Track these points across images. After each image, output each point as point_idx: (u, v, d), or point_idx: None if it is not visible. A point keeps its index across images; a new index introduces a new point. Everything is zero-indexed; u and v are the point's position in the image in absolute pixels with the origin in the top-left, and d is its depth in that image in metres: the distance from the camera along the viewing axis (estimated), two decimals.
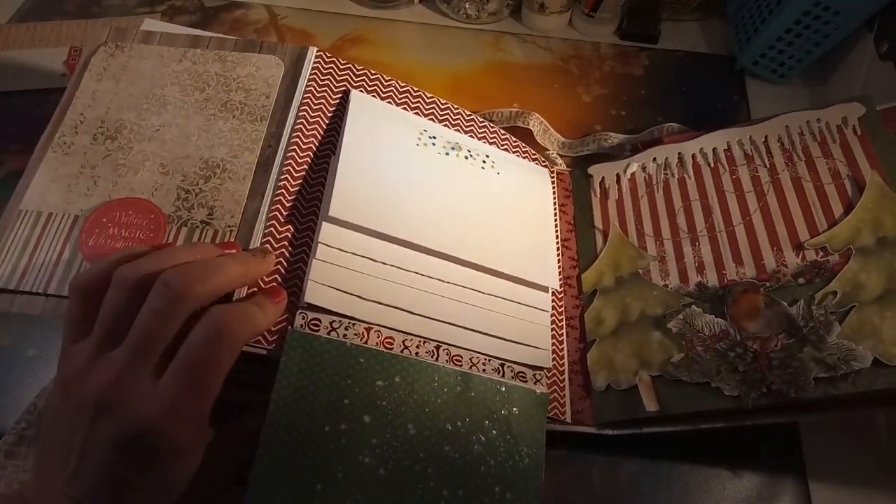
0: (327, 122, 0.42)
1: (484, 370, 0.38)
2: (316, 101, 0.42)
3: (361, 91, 0.45)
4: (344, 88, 0.44)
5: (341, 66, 0.44)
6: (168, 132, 0.40)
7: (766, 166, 0.45)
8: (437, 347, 0.38)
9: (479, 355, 0.39)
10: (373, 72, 0.46)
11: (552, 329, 0.43)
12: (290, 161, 0.39)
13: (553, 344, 0.42)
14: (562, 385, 0.41)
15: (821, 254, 0.40)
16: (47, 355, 0.44)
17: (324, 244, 0.37)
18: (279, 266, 0.36)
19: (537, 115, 0.56)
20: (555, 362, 0.42)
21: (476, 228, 0.43)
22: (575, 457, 0.41)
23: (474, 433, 0.36)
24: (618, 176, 0.50)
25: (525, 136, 0.54)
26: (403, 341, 0.37)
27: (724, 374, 0.38)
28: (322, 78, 0.43)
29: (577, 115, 0.59)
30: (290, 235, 0.38)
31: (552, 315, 0.43)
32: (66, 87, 0.41)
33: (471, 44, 0.65)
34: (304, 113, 0.41)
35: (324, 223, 0.38)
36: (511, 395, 0.38)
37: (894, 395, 0.35)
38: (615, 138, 0.55)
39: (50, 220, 0.37)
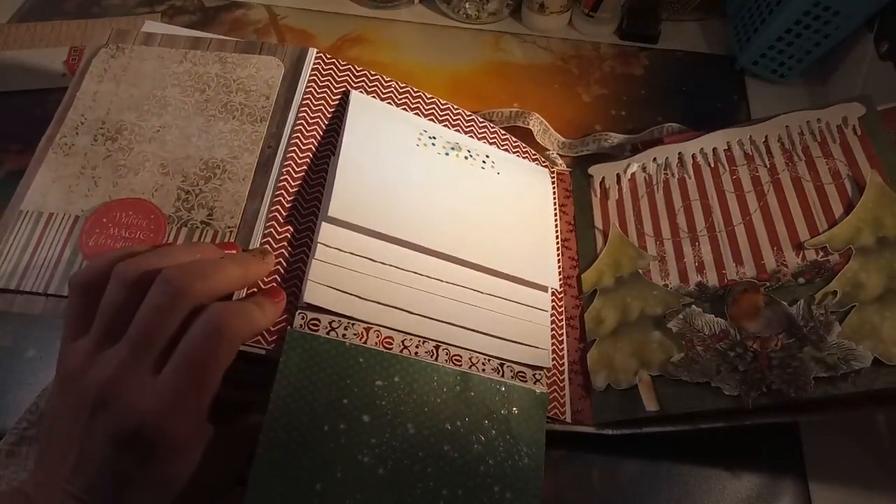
0: (327, 122, 0.42)
1: (483, 370, 0.38)
2: (316, 102, 0.42)
3: (361, 92, 0.45)
4: (344, 89, 0.44)
5: (341, 67, 0.44)
6: (168, 133, 0.40)
7: (766, 166, 0.45)
8: (437, 347, 0.38)
9: (478, 355, 0.39)
10: (372, 72, 0.46)
11: (552, 329, 0.43)
12: (290, 162, 0.39)
13: (553, 344, 0.42)
14: (561, 385, 0.41)
15: (821, 253, 0.40)
16: (47, 355, 0.44)
17: (323, 244, 0.37)
18: (278, 266, 0.36)
19: (537, 115, 0.56)
20: (554, 362, 0.42)
21: (476, 228, 0.43)
22: (575, 457, 0.41)
23: (474, 433, 0.36)
24: (618, 176, 0.50)
25: (525, 136, 0.54)
26: (403, 341, 0.37)
27: (724, 374, 0.38)
28: (322, 79, 0.43)
29: (577, 115, 0.59)
30: (289, 236, 0.38)
31: (552, 315, 0.43)
32: (67, 87, 0.42)
33: (471, 44, 0.65)
34: (304, 114, 0.41)
35: (323, 223, 0.38)
36: (511, 394, 0.38)
37: (894, 394, 0.35)
38: (615, 138, 0.55)
39: (50, 220, 0.37)
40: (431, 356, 0.37)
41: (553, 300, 0.44)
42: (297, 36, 0.65)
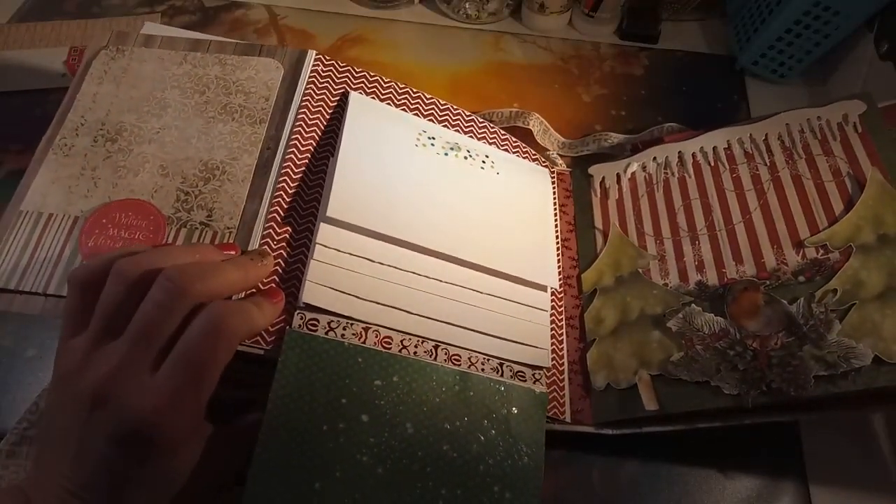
0: (326, 123, 0.43)
1: (483, 370, 0.38)
2: (315, 104, 0.42)
3: (360, 92, 0.45)
4: (343, 90, 0.44)
5: (340, 69, 0.44)
6: (168, 134, 0.40)
7: (766, 164, 0.45)
8: (436, 347, 0.38)
9: (477, 355, 0.39)
10: (372, 74, 0.46)
11: (552, 329, 0.43)
12: (289, 163, 0.39)
13: (553, 343, 0.42)
14: (561, 385, 0.41)
15: (821, 251, 0.40)
16: (47, 355, 0.44)
17: (322, 245, 0.37)
18: (277, 267, 0.37)
19: (537, 115, 0.56)
20: (554, 362, 0.42)
21: (475, 228, 0.43)
22: (574, 457, 0.41)
23: (473, 432, 0.36)
24: (618, 176, 0.50)
25: (525, 136, 0.54)
26: (402, 341, 0.37)
27: (724, 373, 0.37)
28: (321, 80, 0.43)
29: (577, 115, 0.59)
30: (288, 237, 0.38)
31: (552, 315, 0.43)
32: (67, 87, 0.42)
33: (471, 44, 0.65)
34: (303, 115, 0.41)
35: (322, 224, 0.38)
36: (510, 394, 0.38)
37: (895, 393, 0.35)
38: (615, 138, 0.55)
39: (50, 220, 0.37)
40: (430, 356, 0.37)
41: (553, 300, 0.44)
42: (297, 36, 0.65)
